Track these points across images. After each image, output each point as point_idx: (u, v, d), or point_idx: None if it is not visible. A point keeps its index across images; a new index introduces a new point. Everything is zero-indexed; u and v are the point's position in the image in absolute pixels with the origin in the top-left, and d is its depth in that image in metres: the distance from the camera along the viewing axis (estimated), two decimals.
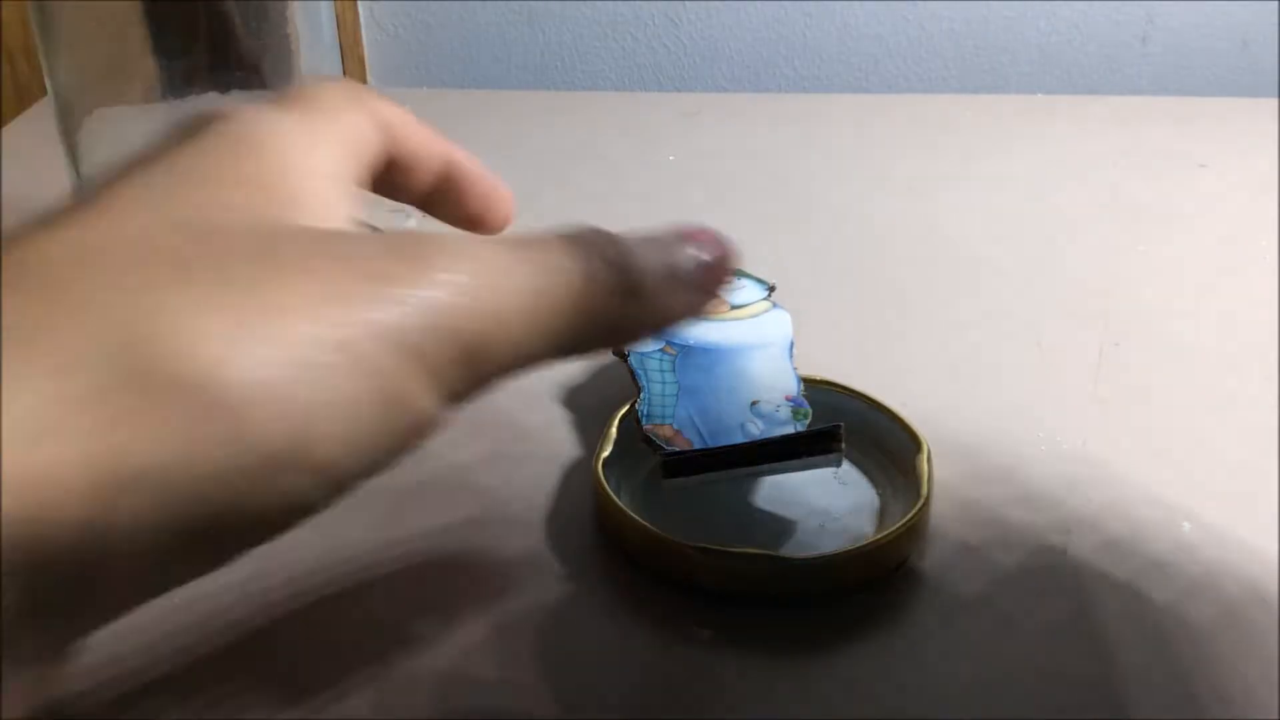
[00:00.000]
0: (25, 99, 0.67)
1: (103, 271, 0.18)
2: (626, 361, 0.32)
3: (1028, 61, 0.69)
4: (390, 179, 0.27)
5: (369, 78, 0.72)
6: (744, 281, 0.37)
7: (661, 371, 0.32)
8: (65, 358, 0.17)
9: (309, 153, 0.23)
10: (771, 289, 0.36)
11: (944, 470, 0.31)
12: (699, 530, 0.28)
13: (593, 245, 0.21)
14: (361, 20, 0.71)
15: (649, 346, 0.33)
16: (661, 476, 0.29)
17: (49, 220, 0.19)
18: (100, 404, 0.16)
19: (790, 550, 0.28)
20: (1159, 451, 0.33)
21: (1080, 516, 0.31)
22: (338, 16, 0.69)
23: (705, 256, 0.23)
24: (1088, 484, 0.32)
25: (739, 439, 0.29)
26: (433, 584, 0.28)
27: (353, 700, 0.25)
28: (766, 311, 0.35)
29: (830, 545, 0.29)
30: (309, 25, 0.41)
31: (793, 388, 0.31)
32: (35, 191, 0.49)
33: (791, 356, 0.32)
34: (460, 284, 0.20)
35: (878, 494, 0.31)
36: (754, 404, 0.31)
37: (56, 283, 0.18)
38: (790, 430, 0.29)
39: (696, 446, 0.29)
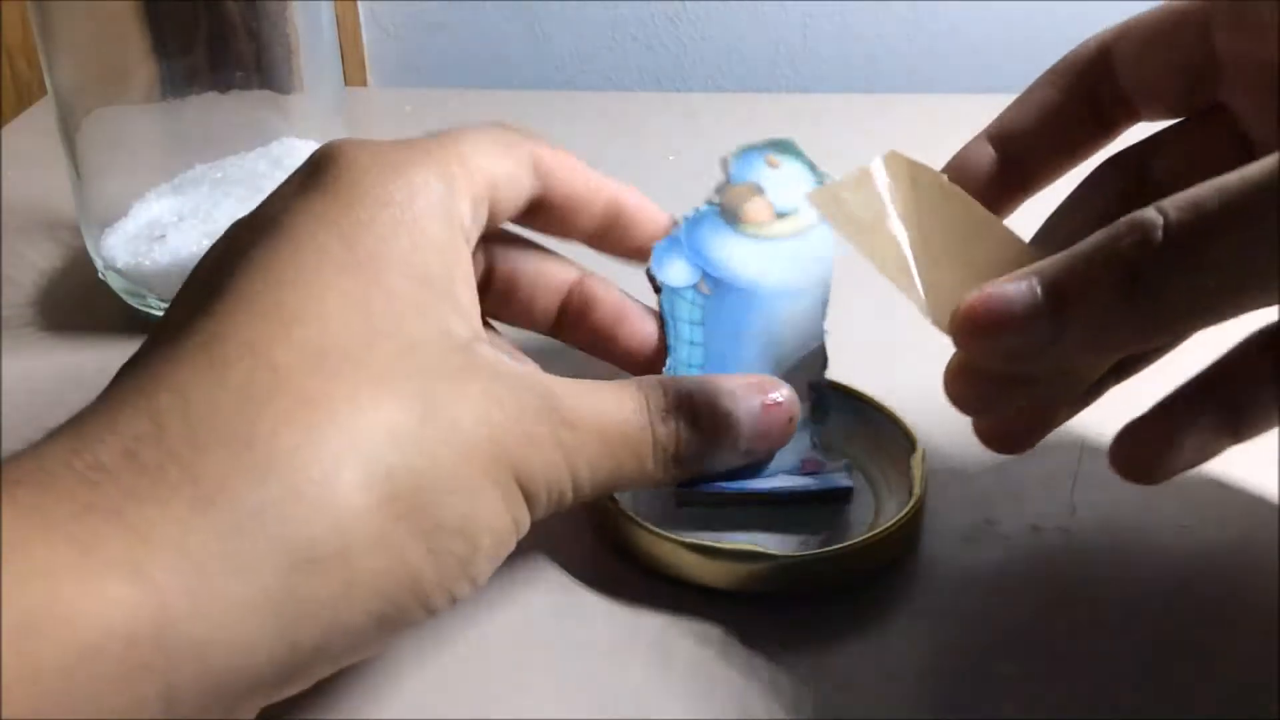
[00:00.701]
0: (25, 99, 0.67)
1: (337, 384, 0.21)
2: (659, 298, 0.31)
3: (1027, 61, 0.69)
4: (551, 219, 0.30)
5: (369, 78, 0.72)
6: (791, 164, 0.33)
7: (691, 325, 0.31)
8: (325, 481, 0.20)
9: (453, 223, 0.25)
10: (820, 178, 0.32)
11: (941, 468, 0.31)
12: (693, 524, 0.28)
13: (654, 387, 0.26)
14: (361, 20, 0.71)
15: (684, 281, 0.31)
16: (674, 504, 0.29)
17: (256, 303, 0.22)
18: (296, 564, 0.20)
19: (786, 548, 0.28)
20: None
21: (1077, 516, 0.31)
22: (338, 16, 0.69)
23: (755, 413, 0.27)
24: (1084, 483, 0.32)
25: None
26: None
27: (348, 700, 0.25)
28: (812, 228, 0.32)
29: (825, 543, 0.29)
30: (309, 25, 0.41)
31: (817, 367, 0.31)
32: (35, 191, 0.49)
33: (825, 310, 0.31)
34: (578, 447, 0.24)
35: (873, 493, 0.31)
36: None
37: (306, 398, 0.21)
38: (806, 431, 0.30)
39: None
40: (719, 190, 0.32)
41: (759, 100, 0.62)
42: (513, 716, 0.25)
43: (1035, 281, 0.23)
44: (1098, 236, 0.22)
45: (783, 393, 0.28)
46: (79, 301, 0.42)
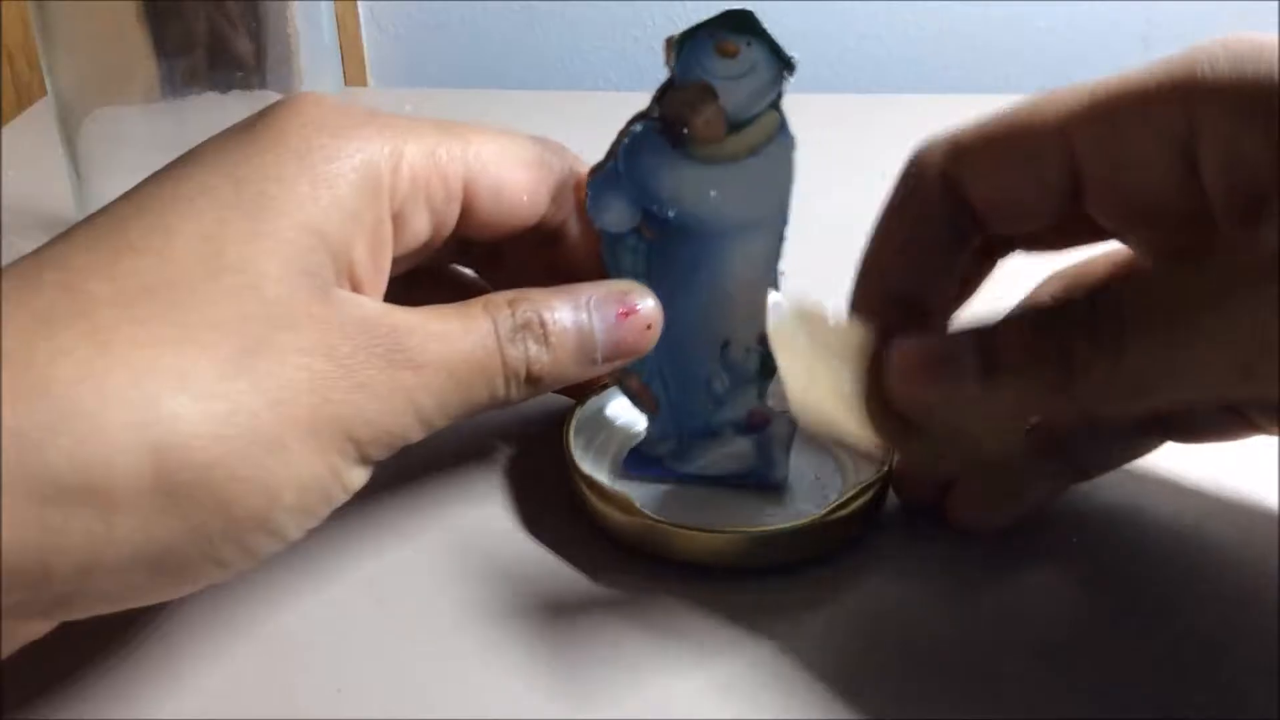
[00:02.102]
0: (25, 99, 0.67)
1: (144, 323, 0.21)
2: (600, 252, 0.28)
3: (1027, 61, 0.69)
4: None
5: (369, 78, 0.72)
6: (751, 50, 0.26)
7: (634, 275, 0.28)
8: (96, 431, 0.19)
9: (377, 191, 0.24)
10: (787, 65, 0.26)
11: None
12: (672, 501, 0.30)
13: (500, 308, 0.25)
14: (361, 20, 0.71)
15: (624, 225, 0.27)
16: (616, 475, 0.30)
17: (102, 232, 0.22)
18: (119, 487, 0.20)
19: (759, 519, 0.29)
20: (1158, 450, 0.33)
21: (1079, 512, 0.31)
22: (338, 16, 0.69)
23: (611, 325, 0.26)
24: (1086, 484, 0.32)
25: (702, 398, 0.29)
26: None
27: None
28: (771, 140, 0.27)
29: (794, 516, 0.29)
30: (309, 25, 0.41)
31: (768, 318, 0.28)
32: (35, 191, 0.49)
33: (782, 247, 0.28)
34: (422, 386, 0.23)
35: (836, 458, 0.32)
36: (725, 346, 0.29)
37: (101, 332, 0.20)
38: (754, 384, 0.29)
39: (662, 406, 0.30)
40: (660, 96, 0.26)
41: None
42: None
43: (974, 340, 0.24)
44: (1036, 311, 0.24)
45: (642, 301, 0.27)
46: None
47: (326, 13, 0.42)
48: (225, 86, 0.40)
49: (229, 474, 0.21)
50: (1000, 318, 0.25)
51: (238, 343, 0.21)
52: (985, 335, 0.25)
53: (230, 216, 0.22)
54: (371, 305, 0.24)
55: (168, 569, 0.21)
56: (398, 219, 0.25)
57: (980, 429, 0.26)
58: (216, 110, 0.40)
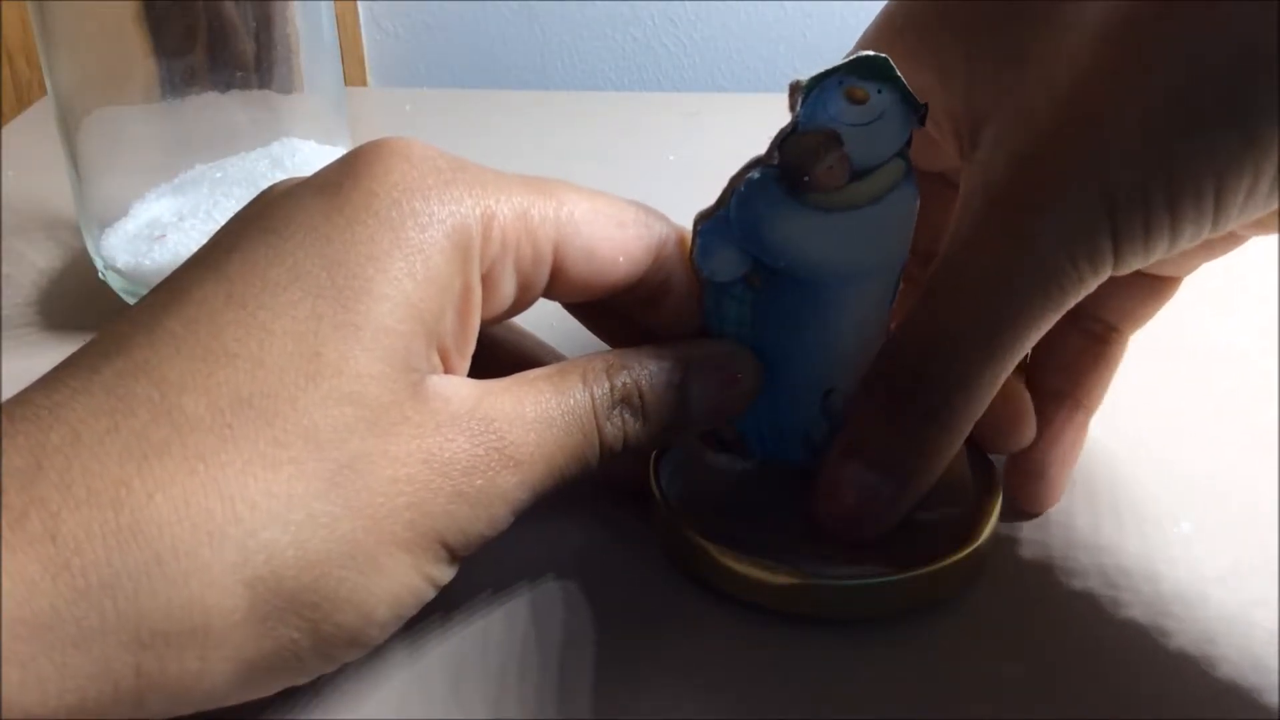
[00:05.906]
0: (25, 99, 0.67)
1: (241, 443, 0.20)
2: (702, 297, 0.27)
3: None
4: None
5: (369, 78, 0.72)
6: (883, 96, 0.24)
7: (739, 327, 0.27)
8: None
9: (467, 259, 0.24)
10: (918, 113, 0.25)
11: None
12: (763, 530, 0.27)
13: (599, 379, 0.25)
14: (361, 20, 0.71)
15: (732, 274, 0.26)
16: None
17: (195, 332, 0.21)
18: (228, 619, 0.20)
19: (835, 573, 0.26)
20: (1158, 451, 0.33)
21: (1078, 518, 0.31)
22: (338, 16, 0.69)
23: (711, 394, 0.26)
24: (1086, 485, 0.32)
25: (797, 445, 0.28)
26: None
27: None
28: (894, 188, 0.25)
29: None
30: (309, 25, 0.41)
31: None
32: (35, 191, 0.49)
33: (896, 292, 0.27)
34: (520, 483, 0.23)
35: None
36: (828, 394, 0.27)
37: (198, 459, 0.20)
38: None
39: (756, 456, 0.28)
40: (781, 142, 0.25)
41: (759, 100, 0.62)
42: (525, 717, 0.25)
43: (865, 463, 0.26)
44: (877, 409, 0.26)
45: (743, 367, 0.27)
46: (79, 301, 0.42)
47: (326, 13, 0.42)
48: (225, 86, 0.40)
49: (321, 597, 0.21)
50: (862, 426, 0.26)
51: (335, 456, 0.21)
52: (880, 460, 0.26)
53: (325, 308, 0.21)
54: (463, 394, 0.23)
55: (253, 683, 0.21)
56: (486, 281, 0.24)
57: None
58: (216, 110, 0.40)
